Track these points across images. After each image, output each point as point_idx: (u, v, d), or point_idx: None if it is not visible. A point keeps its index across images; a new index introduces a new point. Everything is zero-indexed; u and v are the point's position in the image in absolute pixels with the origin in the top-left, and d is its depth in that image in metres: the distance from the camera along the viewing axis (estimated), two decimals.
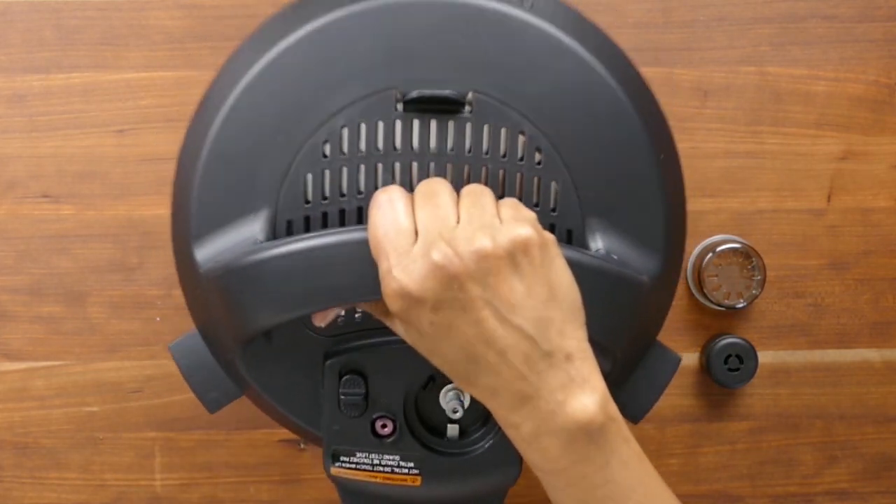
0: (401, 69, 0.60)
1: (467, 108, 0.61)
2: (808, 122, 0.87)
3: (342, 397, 0.63)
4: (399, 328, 0.58)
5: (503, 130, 0.61)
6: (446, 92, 0.60)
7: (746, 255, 0.85)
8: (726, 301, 0.85)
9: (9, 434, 0.87)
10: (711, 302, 0.86)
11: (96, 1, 0.86)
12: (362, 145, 0.61)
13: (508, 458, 0.63)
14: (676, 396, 0.88)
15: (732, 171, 0.87)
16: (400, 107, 0.60)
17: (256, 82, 0.61)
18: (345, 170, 0.61)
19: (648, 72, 0.87)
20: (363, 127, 0.60)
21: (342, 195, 0.61)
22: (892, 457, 0.89)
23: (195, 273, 0.62)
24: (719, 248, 0.85)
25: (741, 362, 0.85)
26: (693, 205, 0.87)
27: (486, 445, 0.64)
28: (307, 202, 0.61)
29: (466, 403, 0.64)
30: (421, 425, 0.65)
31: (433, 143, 0.61)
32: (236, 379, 0.66)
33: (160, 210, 0.86)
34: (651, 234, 0.62)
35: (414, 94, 0.60)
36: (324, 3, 0.62)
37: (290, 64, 0.61)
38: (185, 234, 0.63)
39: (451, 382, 0.64)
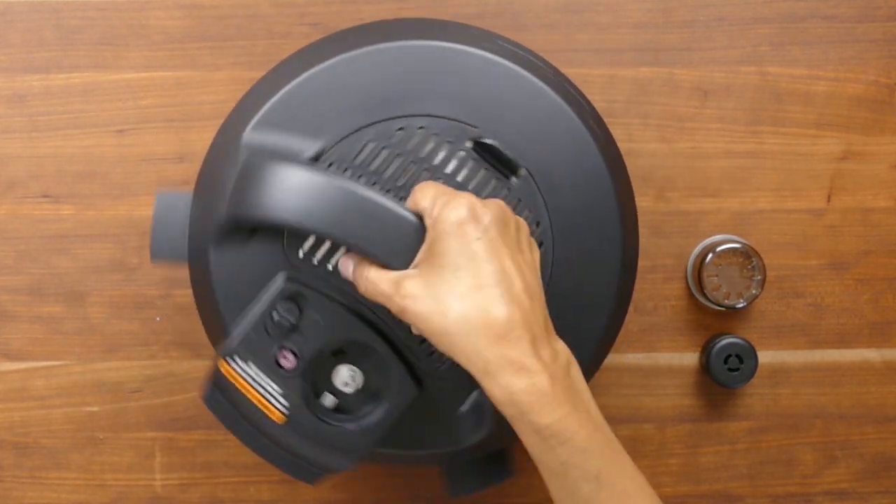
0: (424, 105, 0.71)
1: (513, 178, 0.70)
2: (808, 122, 0.87)
3: (274, 314, 0.68)
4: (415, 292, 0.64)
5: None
6: (509, 155, 0.70)
7: (746, 255, 0.85)
8: (726, 301, 0.85)
9: (9, 434, 0.87)
10: (711, 302, 0.86)
11: (96, 1, 0.86)
12: (427, 151, 0.70)
13: (348, 449, 0.69)
14: (676, 396, 0.88)
15: (732, 171, 0.87)
16: (469, 143, 0.70)
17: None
18: (398, 159, 0.70)
19: (648, 72, 0.87)
20: (444, 143, 0.71)
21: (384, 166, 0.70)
22: (892, 457, 0.89)
23: (237, 146, 0.70)
24: (719, 248, 0.85)
25: (741, 362, 0.85)
26: (693, 205, 0.88)
27: (344, 428, 0.70)
28: (355, 159, 0.70)
29: (358, 385, 0.70)
30: (312, 379, 0.70)
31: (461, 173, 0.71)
32: (194, 254, 0.73)
33: None
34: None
35: (487, 141, 0.70)
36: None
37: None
38: (246, 119, 0.71)
39: (354, 363, 0.70)
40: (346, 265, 0.67)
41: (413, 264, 0.64)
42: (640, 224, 0.87)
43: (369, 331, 0.69)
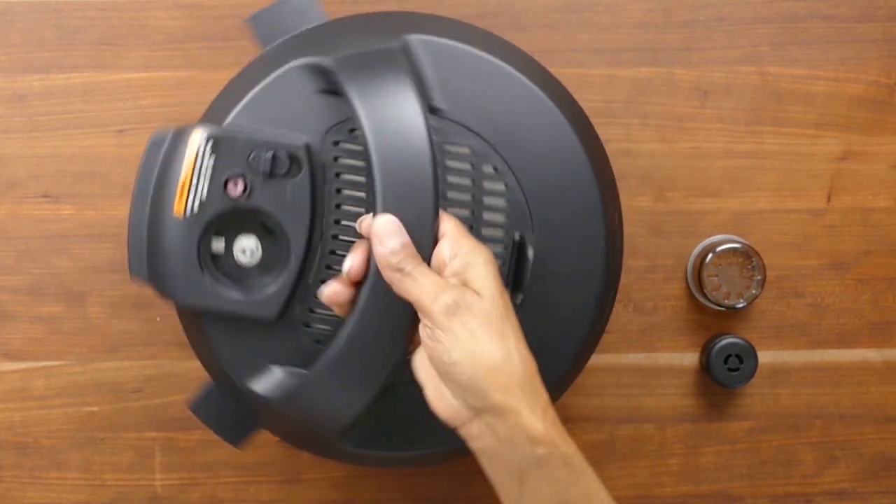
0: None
1: (510, 291, 0.70)
2: (808, 122, 0.87)
3: (270, 154, 0.68)
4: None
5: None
6: (528, 277, 0.70)
7: (746, 255, 0.85)
8: (726, 301, 0.85)
9: (9, 434, 0.87)
10: (711, 302, 0.86)
11: (96, 1, 0.86)
12: (489, 203, 0.71)
13: (181, 290, 0.69)
14: (676, 396, 0.88)
15: (732, 171, 0.87)
16: (517, 236, 0.70)
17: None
18: (467, 181, 0.71)
19: (648, 72, 0.87)
20: (504, 211, 0.71)
21: None
22: (892, 457, 0.89)
23: (394, 34, 0.70)
24: (719, 248, 0.85)
25: (741, 362, 0.85)
26: (693, 205, 0.88)
27: (200, 274, 0.69)
28: (445, 144, 0.70)
29: (247, 261, 0.70)
30: (227, 218, 0.69)
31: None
32: (272, 53, 0.72)
33: None
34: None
35: (530, 253, 0.70)
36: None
37: None
38: (417, 29, 0.71)
39: (263, 247, 0.69)
40: (388, 229, 0.65)
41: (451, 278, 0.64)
42: (640, 224, 0.87)
43: (304, 245, 0.68)
